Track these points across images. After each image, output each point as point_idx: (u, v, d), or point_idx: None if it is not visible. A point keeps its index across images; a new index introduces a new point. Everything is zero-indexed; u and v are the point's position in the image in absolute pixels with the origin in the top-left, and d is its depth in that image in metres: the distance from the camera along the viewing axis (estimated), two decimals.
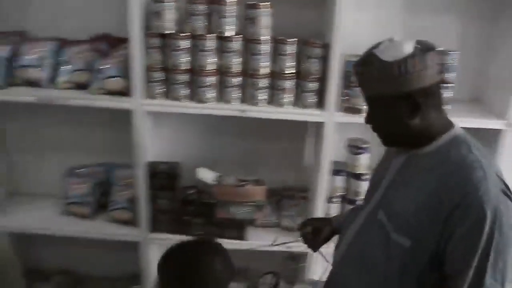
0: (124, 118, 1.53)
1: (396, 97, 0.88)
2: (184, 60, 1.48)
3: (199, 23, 1.46)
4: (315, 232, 1.22)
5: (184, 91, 1.52)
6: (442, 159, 0.89)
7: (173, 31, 1.47)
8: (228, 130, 1.74)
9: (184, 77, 1.50)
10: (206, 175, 1.59)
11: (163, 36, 1.47)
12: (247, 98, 1.52)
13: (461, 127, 0.93)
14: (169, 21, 1.46)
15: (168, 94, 1.53)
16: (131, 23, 1.42)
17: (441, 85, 0.92)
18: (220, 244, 1.10)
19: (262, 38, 1.44)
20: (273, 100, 1.53)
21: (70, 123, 1.79)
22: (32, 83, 1.58)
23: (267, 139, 1.67)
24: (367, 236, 0.98)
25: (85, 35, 1.64)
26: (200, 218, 1.65)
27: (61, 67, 1.59)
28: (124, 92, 1.53)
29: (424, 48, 0.88)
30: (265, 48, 1.45)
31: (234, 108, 1.51)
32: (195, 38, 1.46)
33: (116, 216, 1.74)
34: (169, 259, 1.05)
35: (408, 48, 0.87)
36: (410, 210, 0.88)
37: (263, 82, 1.49)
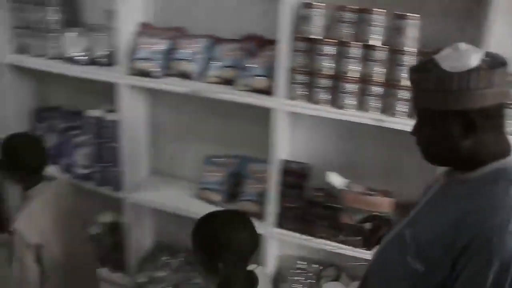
0: (263, 115, 2.14)
1: (451, 113, 1.02)
2: (327, 65, 2.01)
3: (346, 31, 1.97)
4: (374, 230, 1.50)
5: (324, 96, 2.05)
6: (474, 191, 1.04)
7: (320, 37, 2.01)
8: (363, 138, 2.25)
9: (326, 82, 2.03)
10: (336, 180, 2.11)
11: (309, 40, 2.02)
12: (387, 108, 1.99)
13: None
14: (316, 27, 2.01)
15: (309, 97, 2.08)
16: (281, 26, 1.99)
17: (507, 107, 1.04)
18: (247, 217, 1.49)
19: (408, 49, 1.89)
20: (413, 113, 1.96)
21: (213, 114, 2.51)
22: (185, 75, 2.31)
23: (403, 151, 2.09)
24: (391, 251, 1.22)
25: (236, 35, 2.30)
26: (324, 221, 2.20)
27: (212, 63, 2.28)
28: (267, 91, 2.13)
29: (493, 62, 0.98)
30: (410, 59, 1.88)
31: (372, 117, 1.99)
32: (341, 44, 1.98)
33: (244, 207, 2.39)
34: (199, 227, 1.45)
35: (475, 60, 0.98)
36: (429, 237, 1.07)
37: (404, 94, 1.93)
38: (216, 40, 2.32)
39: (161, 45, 2.30)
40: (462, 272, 0.99)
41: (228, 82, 2.25)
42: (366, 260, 1.91)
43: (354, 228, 2.06)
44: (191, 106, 2.53)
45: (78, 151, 2.64)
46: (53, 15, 2.54)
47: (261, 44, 2.22)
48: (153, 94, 2.59)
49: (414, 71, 1.10)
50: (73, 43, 2.52)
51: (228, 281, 1.43)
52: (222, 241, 1.40)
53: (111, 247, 2.85)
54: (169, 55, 2.32)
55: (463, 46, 1.04)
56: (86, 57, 2.48)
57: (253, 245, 1.47)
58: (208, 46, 2.30)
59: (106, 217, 2.84)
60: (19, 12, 2.62)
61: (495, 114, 1.03)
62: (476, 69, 0.97)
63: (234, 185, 2.49)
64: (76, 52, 2.49)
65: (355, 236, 2.11)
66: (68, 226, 1.97)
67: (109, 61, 2.45)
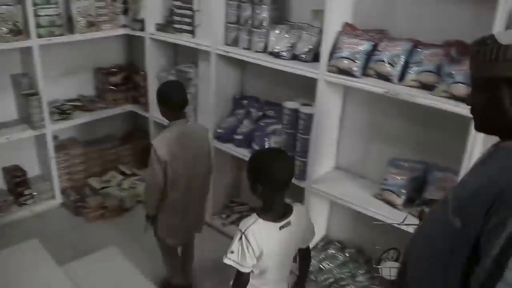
0: (459, 123, 2.20)
1: (504, 80, 1.19)
2: None
3: None
4: None
5: None
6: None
7: None
8: None
9: None
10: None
11: None
12: None
13: None
14: None
15: None
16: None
17: None
18: (285, 153, 2.04)
19: None
20: None
21: (404, 117, 2.64)
22: (383, 76, 2.48)
23: None
24: (436, 213, 1.40)
25: (438, 40, 2.41)
26: None
27: (411, 66, 2.41)
28: (467, 99, 2.21)
29: None
30: None
31: None
32: None
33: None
34: (250, 158, 1.99)
35: None
36: (468, 193, 1.22)
37: None
38: (417, 44, 2.43)
39: (363, 46, 2.50)
40: (491, 219, 1.10)
41: (426, 87, 2.35)
42: None
43: None
44: (384, 107, 2.69)
45: (270, 139, 2.99)
46: (263, 13, 2.91)
47: (464, 50, 2.28)
48: (348, 92, 2.82)
49: (475, 44, 1.26)
50: (278, 39, 2.86)
51: (266, 201, 1.93)
52: (260, 166, 1.91)
53: None
54: (369, 56, 2.52)
55: None
56: (289, 53, 2.80)
57: (287, 174, 1.94)
58: (408, 50, 2.43)
59: None
60: (234, 9, 3.05)
61: None
62: None
63: (415, 190, 2.60)
64: (280, 47, 2.83)
65: None
66: (192, 157, 2.62)
67: (310, 57, 2.75)
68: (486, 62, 1.23)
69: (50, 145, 3.79)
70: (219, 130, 3.30)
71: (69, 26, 3.71)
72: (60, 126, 3.87)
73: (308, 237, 2.13)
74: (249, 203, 3.68)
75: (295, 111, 2.78)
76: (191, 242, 2.96)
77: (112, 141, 4.38)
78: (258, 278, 2.02)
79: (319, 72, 2.59)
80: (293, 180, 2.83)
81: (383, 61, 2.45)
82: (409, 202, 2.59)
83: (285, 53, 2.79)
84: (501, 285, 1.06)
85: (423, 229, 1.47)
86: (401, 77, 2.43)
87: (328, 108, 2.72)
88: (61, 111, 3.88)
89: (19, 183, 3.84)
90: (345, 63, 2.48)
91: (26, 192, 3.87)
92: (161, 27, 3.67)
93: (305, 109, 2.74)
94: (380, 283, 2.22)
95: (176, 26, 3.50)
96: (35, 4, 3.40)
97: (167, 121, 2.65)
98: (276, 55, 2.82)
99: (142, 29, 3.75)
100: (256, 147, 3.05)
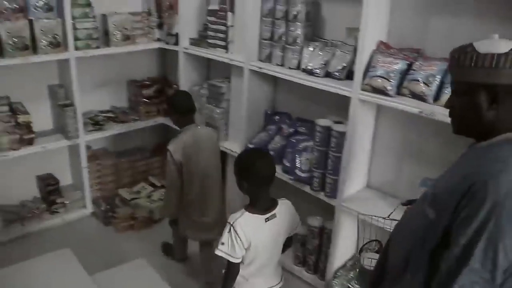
0: None
1: (480, 86, 1.33)
2: None
3: None
4: None
5: None
6: (483, 152, 1.36)
7: None
8: None
9: None
10: None
11: None
12: None
13: None
14: None
15: None
16: None
17: None
18: (267, 153, 2.60)
19: None
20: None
21: (437, 138, 2.62)
22: (417, 96, 2.47)
23: None
24: (415, 207, 1.57)
25: None
26: None
27: (447, 86, 2.39)
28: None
29: None
30: None
31: None
32: None
33: None
34: (237, 157, 2.26)
35: (505, 47, 1.30)
36: (442, 187, 1.39)
37: None
38: None
39: (397, 65, 2.50)
40: (461, 212, 1.26)
41: None
42: None
43: None
44: (417, 126, 2.67)
45: (301, 155, 2.99)
46: (297, 30, 2.94)
47: None
48: (381, 110, 2.81)
49: (455, 51, 1.40)
50: (312, 56, 2.88)
51: (252, 196, 2.18)
52: (245, 165, 2.17)
53: (313, 250, 3.17)
54: (404, 75, 2.51)
55: (497, 37, 1.37)
56: (323, 70, 2.81)
57: (269, 170, 2.18)
58: (444, 69, 2.41)
59: (315, 221, 3.16)
60: (268, 25, 3.09)
61: None
62: (505, 54, 1.29)
63: None
64: (313, 64, 2.84)
65: None
66: (204, 157, 2.93)
67: (343, 75, 2.75)
68: (466, 68, 1.37)
69: (83, 155, 3.87)
70: (250, 145, 3.32)
71: (105, 39, 3.81)
72: (93, 137, 3.95)
73: (293, 228, 2.33)
74: None
75: (328, 128, 2.78)
76: (211, 239, 3.06)
77: (143, 152, 4.44)
78: (247, 268, 2.20)
79: (352, 90, 2.60)
80: (324, 198, 2.87)
81: (418, 80, 2.44)
82: None
83: (318, 71, 2.80)
84: (465, 271, 1.24)
85: (404, 221, 1.62)
86: (436, 97, 2.42)
87: (360, 126, 2.71)
88: (95, 122, 3.96)
89: (51, 192, 3.93)
90: (379, 82, 2.48)
91: (58, 200, 3.96)
92: (194, 42, 3.73)
93: (337, 127, 2.74)
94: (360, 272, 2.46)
95: (210, 41, 3.56)
96: (74, 18, 3.51)
97: (179, 128, 3.01)
98: (310, 72, 2.84)
99: (176, 43, 3.82)
100: (287, 163, 3.06)
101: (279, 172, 3.13)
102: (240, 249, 2.10)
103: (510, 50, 1.30)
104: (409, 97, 2.48)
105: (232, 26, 3.38)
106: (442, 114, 2.30)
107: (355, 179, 2.91)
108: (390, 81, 2.47)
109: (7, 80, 3.59)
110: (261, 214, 2.15)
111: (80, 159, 3.88)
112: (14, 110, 3.55)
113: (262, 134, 3.36)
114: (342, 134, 2.71)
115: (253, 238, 2.11)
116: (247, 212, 2.14)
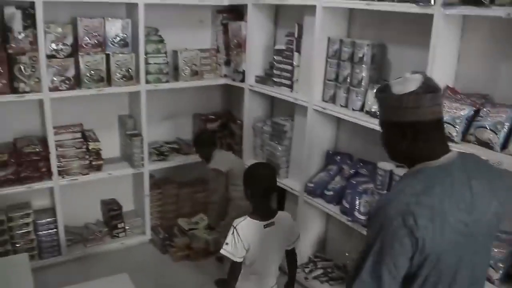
0: None
1: (393, 123, 1.49)
2: None
3: None
4: None
5: None
6: (400, 180, 1.65)
7: None
8: None
9: None
10: None
11: None
12: None
13: (441, 164, 1.46)
14: None
15: None
16: None
17: (439, 122, 1.47)
18: (271, 165, 2.96)
19: None
20: None
21: None
22: (484, 144, 2.42)
23: None
24: None
25: None
26: None
27: None
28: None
29: (427, 88, 1.40)
30: None
31: None
32: None
33: None
34: (247, 168, 2.67)
35: (413, 85, 1.40)
36: (374, 209, 1.53)
37: None
38: None
39: (464, 111, 2.46)
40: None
41: None
42: None
43: None
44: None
45: (362, 197, 2.97)
46: (362, 72, 2.97)
47: None
48: None
49: (377, 92, 1.57)
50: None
51: (254, 204, 2.51)
52: (251, 175, 2.55)
53: None
54: (470, 121, 2.47)
55: (409, 74, 1.47)
56: None
57: (270, 182, 2.54)
58: None
59: None
60: (334, 66, 3.14)
61: (424, 127, 1.45)
62: (410, 93, 1.40)
63: None
64: (377, 107, 2.86)
65: None
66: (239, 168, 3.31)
67: None
68: (382, 108, 1.54)
69: (146, 183, 4.02)
70: (310, 184, 3.34)
71: (175, 74, 4.00)
72: (157, 166, 4.11)
73: (292, 238, 2.58)
74: (334, 259, 3.62)
75: (390, 172, 2.76)
76: None
77: (204, 184, 4.54)
78: (248, 268, 2.47)
79: None
80: None
81: (485, 127, 2.39)
82: (507, 277, 2.45)
83: None
84: (357, 281, 1.40)
85: None
86: (504, 145, 2.36)
87: None
88: (159, 152, 4.12)
89: (114, 216, 4.10)
90: (445, 128, 2.45)
91: (120, 225, 4.12)
92: (260, 80, 3.83)
93: (399, 171, 2.71)
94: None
95: (275, 79, 3.65)
96: (146, 53, 3.71)
97: (204, 159, 3.64)
98: (373, 114, 2.85)
99: (243, 80, 3.94)
100: (346, 204, 3.05)
101: (337, 212, 3.12)
102: (242, 250, 2.38)
103: (418, 87, 1.42)
104: (475, 144, 2.43)
105: (297, 66, 3.46)
106: (510, 163, 2.24)
107: None
108: (456, 127, 2.44)
109: (81, 109, 3.83)
110: (261, 221, 2.43)
111: (143, 187, 4.03)
112: (86, 137, 3.76)
113: (323, 173, 3.37)
114: None
115: (252, 241, 2.39)
116: (249, 218, 2.43)
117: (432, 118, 1.47)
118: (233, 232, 2.39)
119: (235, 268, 2.46)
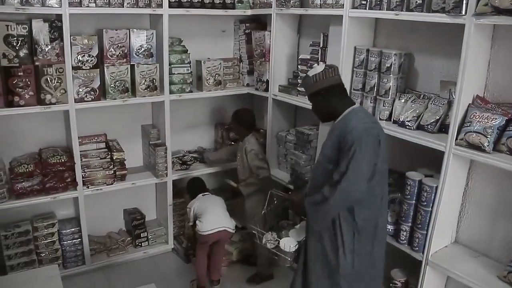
0: None
1: (314, 93, 2.54)
2: None
3: None
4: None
5: None
6: (342, 122, 2.45)
7: None
8: None
9: None
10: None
11: None
12: None
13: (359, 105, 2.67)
14: None
15: None
16: None
17: (341, 85, 2.55)
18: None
19: None
20: None
21: None
22: None
23: None
24: (317, 170, 2.67)
25: None
26: None
27: None
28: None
29: (329, 67, 2.49)
30: None
31: None
32: None
33: None
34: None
35: (319, 69, 2.48)
36: (330, 149, 2.47)
37: None
38: None
39: (495, 120, 2.45)
40: (342, 148, 2.36)
41: None
42: None
43: None
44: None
45: (389, 207, 2.96)
46: (389, 82, 2.97)
47: None
48: (474, 165, 2.76)
49: (302, 78, 2.92)
50: (404, 108, 2.90)
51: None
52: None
53: None
54: (502, 131, 2.46)
55: (315, 65, 3.04)
56: (414, 122, 2.82)
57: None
58: None
59: (399, 274, 3.09)
60: (360, 76, 3.15)
61: (333, 90, 2.51)
62: (319, 73, 2.48)
63: None
64: (405, 116, 2.86)
65: None
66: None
67: (436, 128, 2.74)
68: (307, 86, 2.59)
69: (170, 193, 4.05)
70: None
71: (198, 83, 4.02)
72: (180, 176, 4.13)
73: None
74: None
75: (419, 182, 2.76)
76: None
77: (226, 193, 4.55)
78: None
79: (446, 144, 2.58)
80: (410, 252, 2.83)
81: None
82: None
83: (410, 123, 2.81)
84: (344, 178, 2.33)
85: (315, 174, 2.70)
86: None
87: (452, 181, 2.67)
88: (182, 162, 4.16)
89: (137, 226, 4.13)
90: (476, 138, 2.45)
91: (143, 234, 4.14)
92: (284, 89, 3.85)
93: (429, 181, 2.71)
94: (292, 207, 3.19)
95: (299, 89, 3.66)
96: (170, 64, 3.75)
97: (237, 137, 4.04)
98: (401, 124, 2.85)
99: (266, 90, 3.96)
100: None
101: None
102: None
103: (324, 69, 2.48)
104: (507, 154, 2.42)
105: None
106: None
107: (444, 234, 2.84)
108: (487, 137, 2.43)
109: (105, 119, 3.88)
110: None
111: (166, 196, 4.05)
112: (110, 147, 3.80)
113: None
114: (434, 189, 2.68)
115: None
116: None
117: (336, 83, 2.51)
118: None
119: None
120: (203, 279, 3.69)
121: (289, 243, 2.80)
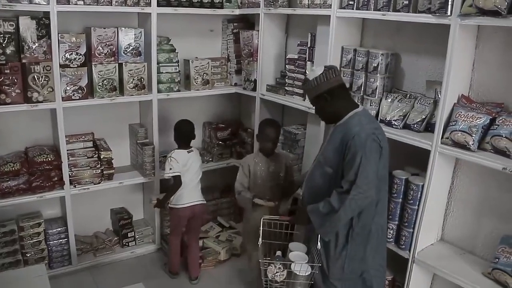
0: None
1: (317, 96, 2.51)
2: None
3: None
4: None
5: None
6: (345, 125, 2.46)
7: None
8: None
9: None
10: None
11: None
12: None
13: (362, 108, 2.58)
14: None
15: None
16: None
17: (343, 86, 2.56)
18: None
19: None
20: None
21: None
22: (500, 152, 2.46)
23: None
24: (315, 169, 2.67)
25: None
26: None
27: None
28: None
29: (328, 68, 2.47)
30: None
31: None
32: None
33: None
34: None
35: (319, 71, 2.46)
36: (331, 152, 2.51)
37: None
38: None
39: (480, 119, 2.51)
40: (346, 159, 2.39)
41: None
42: None
43: None
44: (499, 181, 2.65)
45: None
46: (376, 81, 3.02)
47: None
48: (459, 164, 2.81)
49: (303, 83, 2.91)
50: (390, 108, 2.95)
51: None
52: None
53: None
54: (486, 130, 2.51)
55: (314, 67, 3.02)
56: (401, 122, 2.86)
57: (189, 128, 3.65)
58: None
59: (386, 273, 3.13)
60: (347, 76, 3.19)
61: (336, 91, 2.49)
62: (320, 75, 2.46)
63: None
64: (392, 116, 2.91)
65: None
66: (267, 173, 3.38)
67: (422, 127, 2.79)
68: (308, 90, 2.58)
69: (157, 192, 4.04)
70: None
71: (186, 83, 4.04)
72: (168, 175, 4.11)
73: None
74: None
75: (406, 181, 2.80)
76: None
77: (213, 193, 4.58)
78: None
79: (432, 143, 2.62)
80: (397, 250, 2.87)
81: (501, 135, 2.44)
82: None
83: (396, 122, 2.86)
84: (354, 186, 2.35)
85: (310, 177, 2.71)
86: None
87: (438, 179, 2.72)
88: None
89: (124, 225, 4.13)
90: (461, 136, 2.50)
91: (130, 234, 4.14)
92: (271, 88, 3.89)
93: (415, 180, 2.76)
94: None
95: (287, 88, 3.70)
96: (159, 63, 3.76)
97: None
98: (388, 123, 2.90)
99: (254, 89, 3.99)
100: None
101: None
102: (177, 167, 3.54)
103: (323, 71, 2.46)
104: (492, 152, 2.48)
105: None
106: None
107: (430, 232, 2.89)
108: (472, 136, 2.48)
109: (93, 118, 3.87)
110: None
111: (153, 196, 4.04)
112: (98, 146, 3.80)
113: None
114: (420, 187, 2.72)
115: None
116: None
117: (338, 84, 2.50)
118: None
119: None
120: (176, 265, 3.76)
121: (300, 262, 2.60)
